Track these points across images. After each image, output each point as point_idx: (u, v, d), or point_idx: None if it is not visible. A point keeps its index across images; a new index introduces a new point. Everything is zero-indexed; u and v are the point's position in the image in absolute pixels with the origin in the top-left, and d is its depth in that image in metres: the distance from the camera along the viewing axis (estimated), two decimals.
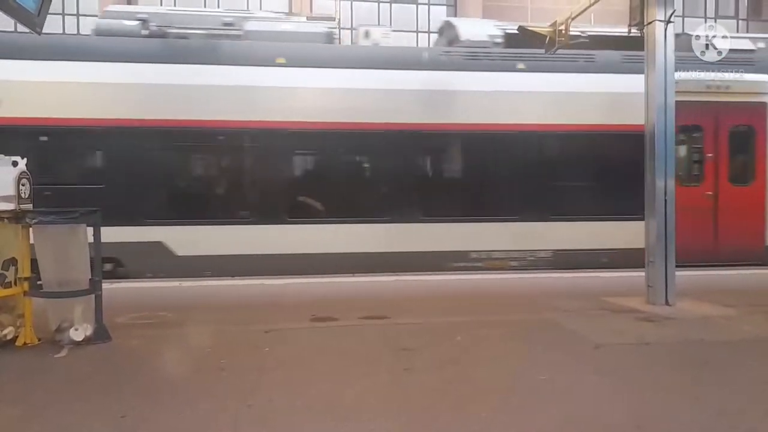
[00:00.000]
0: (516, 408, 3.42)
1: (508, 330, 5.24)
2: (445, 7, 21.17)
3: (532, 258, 8.97)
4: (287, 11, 19.77)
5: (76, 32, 18.39)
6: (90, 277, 4.87)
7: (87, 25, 18.05)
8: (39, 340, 4.74)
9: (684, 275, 6.61)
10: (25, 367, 4.24)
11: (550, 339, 4.96)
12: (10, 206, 4.67)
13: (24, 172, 4.81)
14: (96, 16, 16.96)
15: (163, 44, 8.67)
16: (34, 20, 4.90)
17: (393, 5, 20.76)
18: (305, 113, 8.56)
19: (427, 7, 21.07)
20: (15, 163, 4.76)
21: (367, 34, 9.41)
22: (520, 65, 8.97)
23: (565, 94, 8.99)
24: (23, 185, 4.78)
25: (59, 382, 3.90)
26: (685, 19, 20.59)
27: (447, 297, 6.86)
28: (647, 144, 6.44)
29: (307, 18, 10.34)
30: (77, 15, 18.92)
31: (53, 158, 8.37)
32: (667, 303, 6.16)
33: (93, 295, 4.82)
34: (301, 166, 9.32)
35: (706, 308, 6.11)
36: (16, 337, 4.70)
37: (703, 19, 21.81)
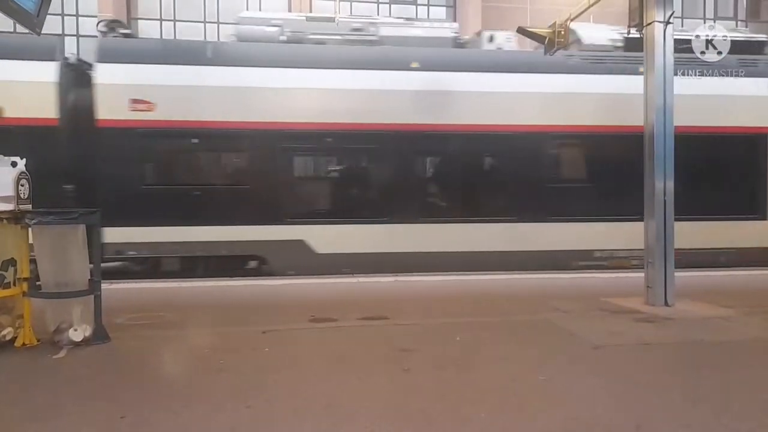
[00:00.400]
0: (515, 409, 3.42)
1: (507, 331, 5.25)
2: (444, 8, 21.18)
3: None
4: (287, 10, 19.81)
5: (75, 33, 18.38)
6: (89, 277, 4.86)
7: (85, 26, 18.08)
8: (38, 340, 4.73)
9: (683, 276, 6.62)
10: (23, 368, 4.23)
11: (550, 340, 4.96)
12: (9, 207, 4.66)
13: (23, 172, 4.80)
14: (95, 17, 16.97)
15: (314, 50, 9.05)
16: (33, 21, 4.90)
17: (392, 5, 20.74)
18: (440, 116, 8.87)
19: (426, 7, 21.07)
20: (14, 164, 4.75)
21: (491, 38, 9.64)
22: (642, 69, 9.04)
23: (684, 96, 9.17)
24: (22, 186, 4.77)
25: (58, 383, 3.90)
26: (684, 20, 20.61)
27: (446, 298, 6.86)
28: (646, 145, 6.45)
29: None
30: (77, 15, 18.91)
31: (203, 160, 9.02)
32: (666, 304, 6.16)
33: (92, 296, 4.81)
34: (434, 167, 9.61)
35: (706, 309, 6.11)
36: (15, 337, 4.70)
37: (702, 20, 21.84)
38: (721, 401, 3.53)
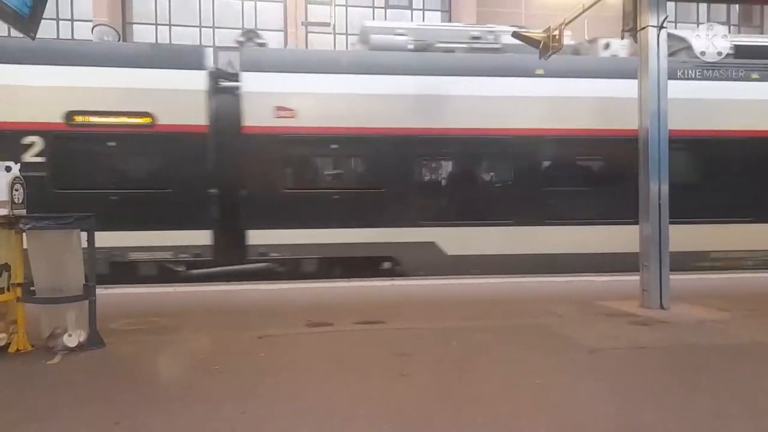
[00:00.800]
0: (512, 413, 3.42)
1: (503, 335, 5.24)
2: (439, 12, 21.26)
3: (765, 258, 9.65)
4: (282, 16, 19.85)
5: (70, 37, 18.34)
6: (84, 282, 4.83)
7: (80, 30, 18.06)
8: (32, 346, 4.70)
9: (679, 279, 6.64)
10: (17, 374, 4.20)
11: (546, 343, 4.96)
12: (3, 212, 4.63)
13: (17, 177, 4.78)
14: (89, 21, 16.95)
15: (443, 57, 9.39)
16: (27, 25, 4.89)
17: (387, 11, 20.82)
18: (564, 121, 9.16)
19: (421, 12, 21.15)
20: (8, 169, 4.73)
21: (607, 46, 9.93)
22: (755, 75, 9.70)
23: None
24: (17, 190, 4.75)
25: (52, 389, 3.87)
26: (678, 24, 20.73)
27: (441, 302, 6.86)
28: (641, 149, 6.48)
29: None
30: (71, 20, 18.89)
31: (341, 165, 9.50)
32: (662, 307, 6.18)
33: (87, 301, 4.78)
34: (558, 171, 9.71)
35: (701, 312, 6.13)
36: (9, 343, 4.67)
37: (695, 25, 21.96)
38: (716, 405, 3.54)
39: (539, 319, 5.80)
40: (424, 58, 9.36)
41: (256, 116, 8.61)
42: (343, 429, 3.17)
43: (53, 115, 8.20)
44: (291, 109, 8.62)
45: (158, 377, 4.19)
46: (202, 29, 19.69)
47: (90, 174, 8.50)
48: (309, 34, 19.62)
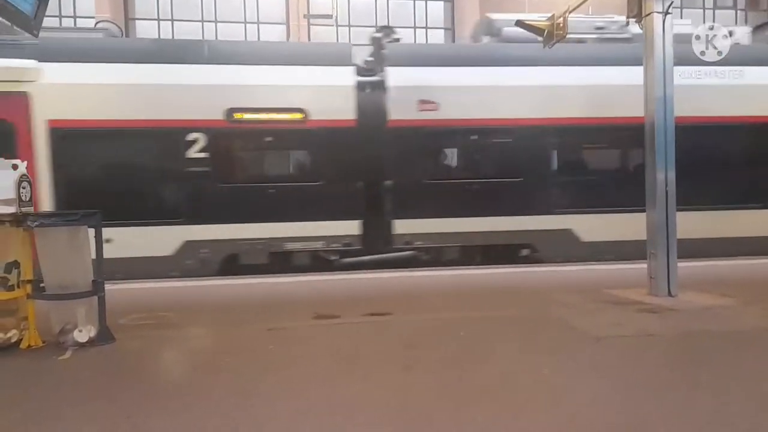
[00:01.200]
0: (519, 405, 3.42)
1: (510, 325, 5.25)
2: (442, 2, 21.14)
3: None
4: (284, 9, 19.79)
5: None
6: (93, 278, 4.86)
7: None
8: (43, 342, 4.75)
9: (687, 266, 6.62)
10: (29, 369, 4.24)
11: (553, 333, 4.96)
12: (11, 209, 4.67)
13: (24, 174, 4.81)
14: (92, 17, 16.96)
15: (576, 48, 9.51)
16: (30, 23, 4.90)
17: (390, 1, 20.73)
18: (697, 108, 9.08)
19: (424, 3, 21.05)
20: (15, 167, 4.76)
21: (730, 34, 9.91)
22: None
23: None
24: (24, 188, 4.78)
25: (63, 384, 3.91)
26: (684, 10, 20.53)
27: (449, 293, 6.86)
28: (647, 136, 6.43)
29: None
30: (74, 17, 18.91)
31: (480, 156, 9.73)
32: (669, 294, 6.16)
33: (96, 297, 4.82)
34: (689, 157, 9.78)
35: (709, 299, 6.11)
36: (21, 339, 4.72)
37: (701, 10, 21.76)
38: (723, 395, 3.52)
39: (547, 308, 5.79)
40: (557, 50, 9.31)
41: (401, 110, 8.89)
42: (349, 423, 3.19)
43: (215, 113, 8.50)
44: (434, 102, 8.90)
45: (168, 372, 4.23)
46: (204, 24, 19.67)
47: (248, 168, 9.01)
48: (311, 27, 19.57)
